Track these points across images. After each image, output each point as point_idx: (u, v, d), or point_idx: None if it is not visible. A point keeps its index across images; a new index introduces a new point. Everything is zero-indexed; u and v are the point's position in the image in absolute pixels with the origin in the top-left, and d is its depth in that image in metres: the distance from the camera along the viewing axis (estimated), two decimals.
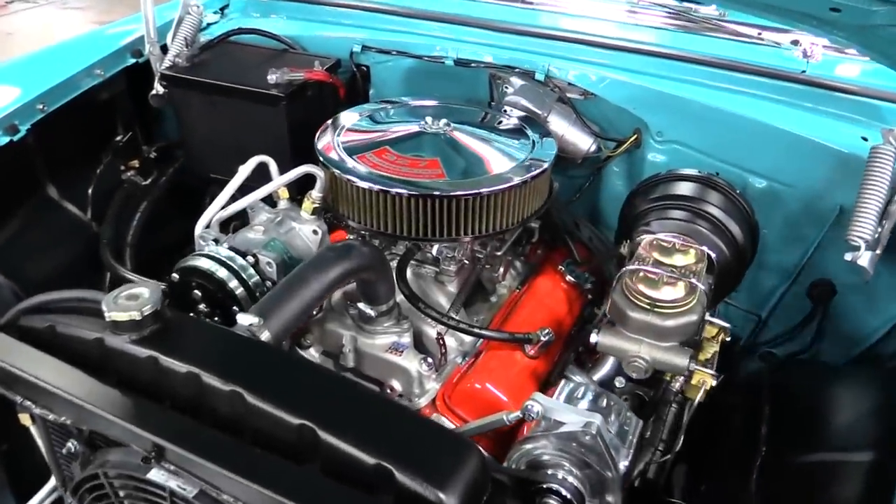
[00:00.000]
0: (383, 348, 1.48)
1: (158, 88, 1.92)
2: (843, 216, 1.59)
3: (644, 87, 1.69)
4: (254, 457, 0.94)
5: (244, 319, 1.12)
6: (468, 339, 1.55)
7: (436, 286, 1.62)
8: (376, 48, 1.93)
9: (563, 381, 1.34)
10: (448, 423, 1.42)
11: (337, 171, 1.46)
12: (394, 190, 1.42)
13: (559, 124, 1.78)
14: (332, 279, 1.22)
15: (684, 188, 1.55)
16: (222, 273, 1.29)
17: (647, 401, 1.58)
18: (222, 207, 1.44)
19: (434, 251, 1.59)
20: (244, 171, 1.46)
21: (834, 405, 1.39)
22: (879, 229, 1.36)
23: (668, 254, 1.34)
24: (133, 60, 1.99)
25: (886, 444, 1.21)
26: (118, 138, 1.93)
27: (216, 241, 1.38)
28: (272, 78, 1.76)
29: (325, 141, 1.59)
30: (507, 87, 1.81)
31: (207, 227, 1.41)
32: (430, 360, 1.47)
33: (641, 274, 1.27)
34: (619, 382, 1.60)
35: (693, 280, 1.25)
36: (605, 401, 1.31)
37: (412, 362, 1.46)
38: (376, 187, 1.42)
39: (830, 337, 1.73)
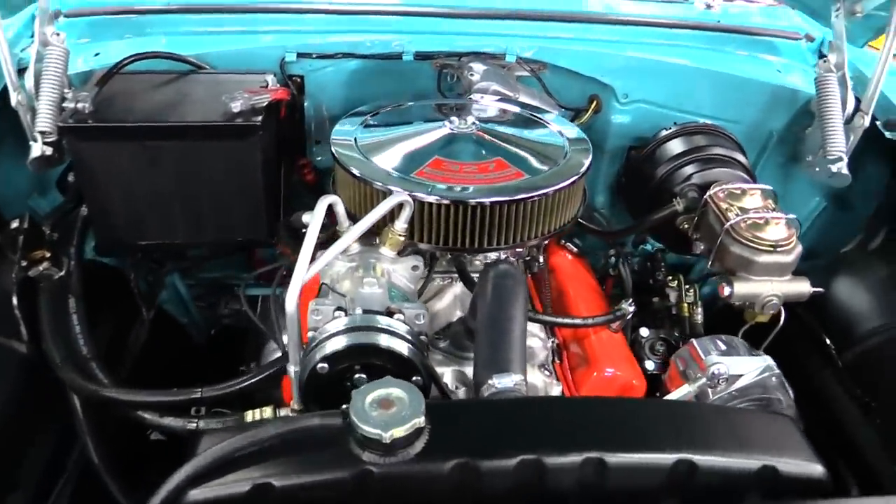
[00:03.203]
0: None
1: (43, 149, 1.44)
2: (774, 139, 1.88)
3: (613, 54, 1.75)
4: None
5: (504, 380, 0.95)
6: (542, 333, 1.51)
7: None
8: (317, 54, 1.68)
9: (695, 342, 1.40)
10: None
11: (420, 195, 1.28)
12: (489, 199, 1.30)
13: (527, 101, 1.77)
14: (524, 306, 1.09)
15: (678, 145, 1.68)
16: (395, 343, 1.06)
17: (674, 344, 1.72)
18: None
19: (482, 256, 1.50)
20: (316, 221, 1.18)
21: None
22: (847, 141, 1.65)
23: (739, 199, 1.46)
24: None
25: None
26: (14, 225, 1.40)
27: (341, 308, 1.11)
28: (235, 105, 1.44)
29: (361, 164, 1.38)
30: (471, 75, 1.73)
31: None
32: (547, 367, 1.40)
33: (750, 221, 1.37)
34: (645, 332, 1.71)
35: (790, 215, 1.39)
36: (734, 342, 1.41)
37: (535, 375, 1.38)
38: (479, 201, 1.29)
39: None
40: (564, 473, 0.85)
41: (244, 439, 0.85)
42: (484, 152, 1.42)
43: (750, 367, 1.27)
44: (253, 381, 1.29)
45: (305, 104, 1.76)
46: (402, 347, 1.07)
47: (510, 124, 1.56)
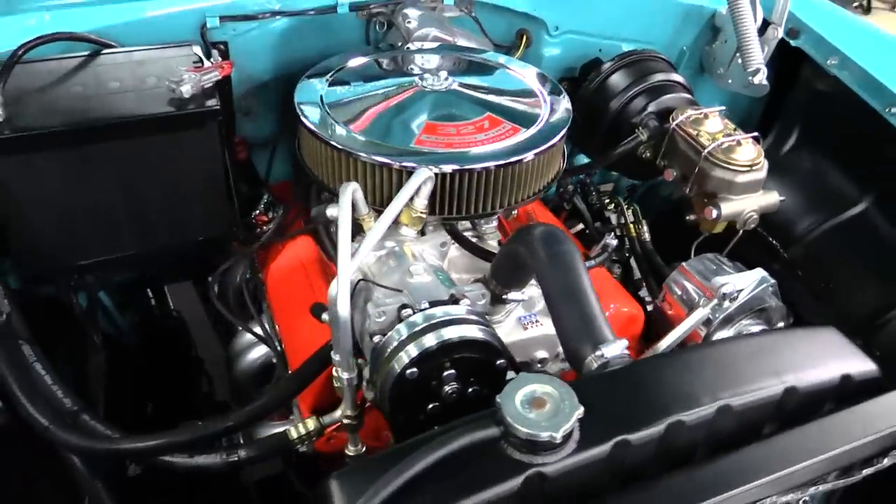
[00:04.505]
0: (519, 329, 1.37)
1: None
2: (686, 56, 1.97)
3: None
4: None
5: (612, 348, 0.96)
6: None
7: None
8: (241, 15, 1.48)
9: (686, 265, 1.48)
10: None
11: (448, 168, 1.21)
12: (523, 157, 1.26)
13: (467, 44, 1.71)
14: (586, 268, 1.09)
15: (620, 79, 1.70)
16: (479, 332, 1.01)
17: (628, 265, 1.83)
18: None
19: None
20: (345, 213, 1.06)
21: None
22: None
23: (702, 123, 1.53)
24: None
25: None
26: None
27: (407, 306, 1.03)
28: (186, 89, 1.24)
29: (351, 139, 1.26)
30: (407, 22, 1.62)
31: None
32: None
33: (725, 145, 1.45)
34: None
35: (755, 134, 1.49)
36: (717, 259, 1.51)
37: (550, 324, 1.39)
38: (495, 164, 1.24)
39: None
40: (700, 427, 0.89)
41: (404, 470, 0.78)
42: (471, 109, 1.36)
43: (749, 281, 1.37)
44: (285, 394, 1.19)
45: (232, 74, 1.56)
46: (486, 334, 1.03)
47: (475, 73, 1.50)
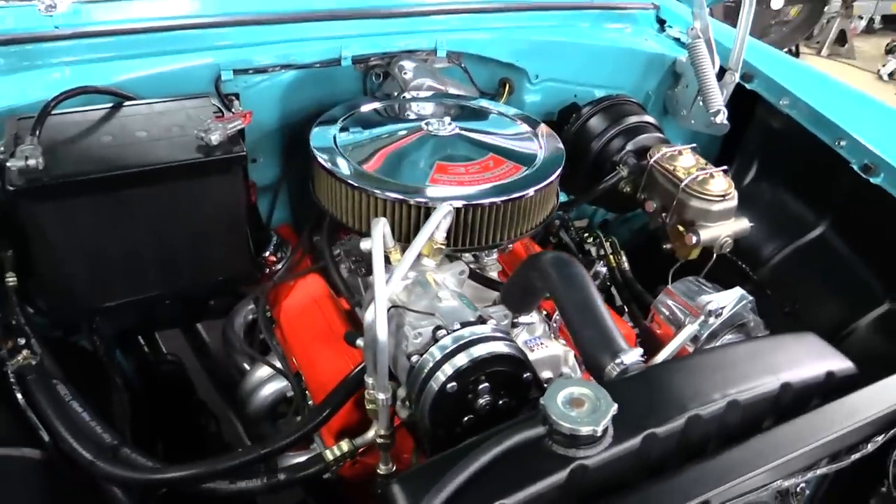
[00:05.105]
0: (526, 352, 1.46)
1: None
2: (652, 100, 2.15)
3: (527, 39, 1.88)
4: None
5: (630, 356, 1.07)
6: None
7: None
8: (253, 68, 1.58)
9: (671, 287, 1.62)
10: None
11: (460, 204, 1.32)
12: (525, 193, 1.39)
13: (457, 92, 1.84)
14: (595, 287, 1.21)
15: (599, 122, 1.86)
16: (510, 348, 1.11)
17: (610, 291, 1.97)
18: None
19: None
20: (377, 247, 1.15)
21: None
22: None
23: (677, 159, 1.69)
24: None
25: None
26: None
27: (441, 327, 1.13)
28: (214, 137, 1.33)
29: (372, 180, 1.37)
30: (404, 73, 1.75)
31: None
32: (555, 335, 1.53)
33: (700, 178, 1.60)
34: None
35: (724, 167, 1.65)
36: (697, 281, 1.65)
37: (555, 345, 1.49)
38: (504, 198, 1.36)
39: None
40: (713, 421, 1.00)
41: (461, 470, 0.86)
42: (475, 151, 1.48)
43: (730, 299, 1.51)
44: (320, 419, 1.25)
45: None
46: (515, 350, 1.13)
47: (474, 118, 1.63)
